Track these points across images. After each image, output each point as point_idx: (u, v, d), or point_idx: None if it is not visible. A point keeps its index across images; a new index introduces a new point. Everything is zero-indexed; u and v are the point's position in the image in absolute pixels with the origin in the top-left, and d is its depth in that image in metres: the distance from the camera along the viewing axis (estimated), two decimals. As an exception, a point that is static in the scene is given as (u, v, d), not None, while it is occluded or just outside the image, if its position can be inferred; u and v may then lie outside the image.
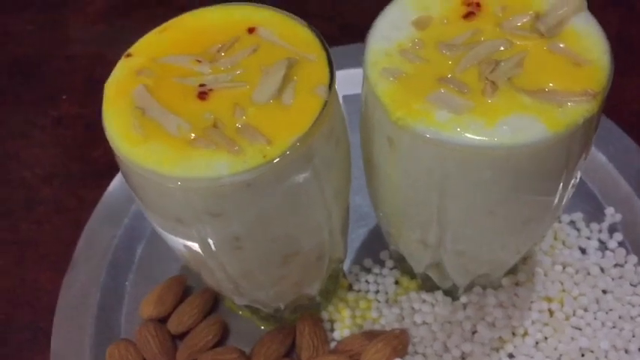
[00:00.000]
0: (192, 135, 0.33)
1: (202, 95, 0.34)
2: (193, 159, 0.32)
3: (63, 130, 0.65)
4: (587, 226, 0.53)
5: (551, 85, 0.33)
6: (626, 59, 0.60)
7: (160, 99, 0.34)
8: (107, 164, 0.62)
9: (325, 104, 0.33)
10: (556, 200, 0.36)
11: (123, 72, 0.36)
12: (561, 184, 0.35)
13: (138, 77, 0.35)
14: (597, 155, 0.55)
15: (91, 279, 0.52)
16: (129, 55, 0.37)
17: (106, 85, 0.36)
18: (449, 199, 0.35)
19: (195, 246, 0.38)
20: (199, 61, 0.36)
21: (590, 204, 0.54)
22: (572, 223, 0.53)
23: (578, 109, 0.32)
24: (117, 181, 0.57)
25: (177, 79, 0.35)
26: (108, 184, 0.57)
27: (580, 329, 0.48)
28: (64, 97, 0.68)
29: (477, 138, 0.31)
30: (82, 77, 0.70)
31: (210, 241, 0.36)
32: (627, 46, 0.65)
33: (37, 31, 0.76)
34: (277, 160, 0.32)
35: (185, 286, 0.52)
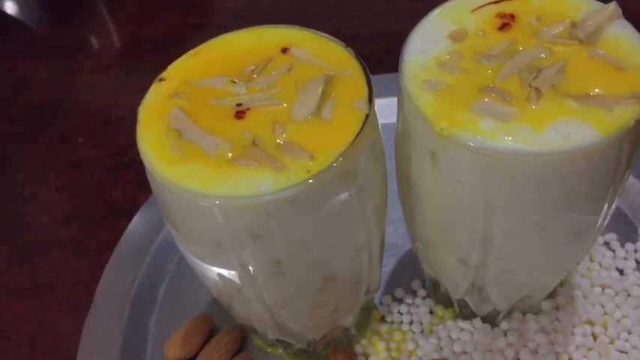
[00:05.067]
0: (232, 154, 0.32)
1: (240, 114, 0.33)
2: (235, 177, 0.31)
3: (80, 173, 0.65)
4: (622, 246, 0.52)
5: (596, 90, 0.32)
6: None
7: (196, 120, 0.33)
8: (126, 204, 0.61)
9: (367, 117, 0.33)
10: (604, 209, 0.35)
11: (156, 95, 0.35)
12: (611, 190, 0.34)
13: (172, 100, 0.35)
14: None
15: (113, 321, 0.50)
16: (162, 80, 0.36)
17: (139, 108, 0.35)
18: (495, 215, 0.34)
19: (232, 274, 0.36)
20: (234, 82, 0.35)
21: (622, 225, 0.53)
22: (606, 244, 0.52)
23: (627, 112, 0.31)
24: (137, 220, 0.56)
25: (212, 100, 0.34)
26: (127, 224, 0.56)
27: (626, 352, 0.46)
28: (80, 139, 0.67)
29: (526, 145, 0.30)
30: (98, 120, 0.70)
31: (250, 267, 0.35)
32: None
33: (52, 77, 0.76)
34: (321, 175, 0.31)
35: (211, 325, 0.50)
